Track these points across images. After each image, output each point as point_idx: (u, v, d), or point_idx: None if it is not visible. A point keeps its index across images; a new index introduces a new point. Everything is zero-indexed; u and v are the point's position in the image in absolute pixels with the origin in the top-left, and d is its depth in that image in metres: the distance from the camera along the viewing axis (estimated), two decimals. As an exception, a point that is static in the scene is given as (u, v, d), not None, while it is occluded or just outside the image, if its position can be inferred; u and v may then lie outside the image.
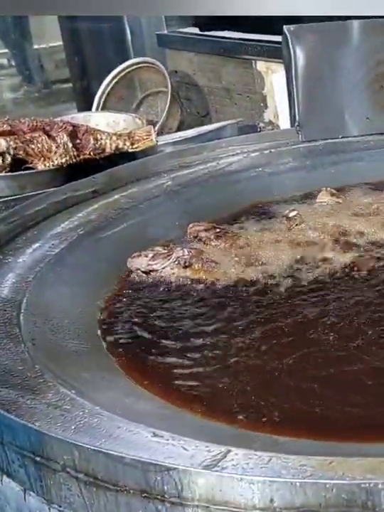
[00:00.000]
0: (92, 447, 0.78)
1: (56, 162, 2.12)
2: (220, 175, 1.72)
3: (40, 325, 1.13)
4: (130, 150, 2.18)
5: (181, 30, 3.03)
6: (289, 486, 0.69)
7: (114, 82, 2.90)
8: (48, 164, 2.11)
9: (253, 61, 2.58)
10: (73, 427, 0.83)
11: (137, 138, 2.19)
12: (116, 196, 1.60)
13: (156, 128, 2.55)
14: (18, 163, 2.12)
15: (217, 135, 2.14)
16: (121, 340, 1.14)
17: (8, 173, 2.08)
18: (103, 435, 0.81)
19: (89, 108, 2.99)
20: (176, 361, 1.07)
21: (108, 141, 2.17)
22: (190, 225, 1.47)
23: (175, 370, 1.05)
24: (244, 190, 1.68)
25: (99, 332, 1.17)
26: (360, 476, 0.69)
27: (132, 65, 2.91)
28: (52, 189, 1.69)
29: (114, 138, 2.18)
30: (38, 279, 1.24)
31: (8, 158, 2.10)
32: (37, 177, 2.07)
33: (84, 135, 2.17)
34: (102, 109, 2.88)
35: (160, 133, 2.55)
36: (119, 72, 2.90)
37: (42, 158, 2.11)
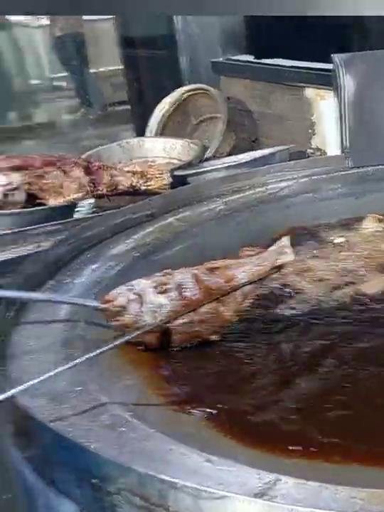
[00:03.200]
0: (147, 472, 0.80)
1: (69, 198, 2.10)
2: (270, 200, 1.76)
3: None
4: (143, 187, 2.19)
5: (235, 57, 3.09)
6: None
7: (169, 107, 2.95)
8: (60, 200, 2.08)
9: (303, 88, 2.63)
10: (128, 450, 0.85)
11: (150, 176, 2.20)
12: (170, 219, 1.64)
13: (210, 152, 2.61)
14: (31, 199, 2.08)
15: (269, 160, 2.18)
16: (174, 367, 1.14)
17: (21, 210, 2.04)
18: (156, 459, 0.83)
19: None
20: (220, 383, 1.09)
21: (123, 178, 2.18)
22: (242, 249, 1.51)
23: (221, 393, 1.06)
24: (293, 215, 1.71)
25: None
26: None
27: (188, 91, 2.96)
28: (110, 211, 1.75)
29: (128, 175, 2.19)
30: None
31: (23, 194, 2.07)
32: (48, 212, 2.03)
33: (98, 171, 2.17)
34: (159, 134, 2.93)
35: (214, 157, 2.59)
36: (174, 98, 2.95)
37: (54, 194, 2.09)
